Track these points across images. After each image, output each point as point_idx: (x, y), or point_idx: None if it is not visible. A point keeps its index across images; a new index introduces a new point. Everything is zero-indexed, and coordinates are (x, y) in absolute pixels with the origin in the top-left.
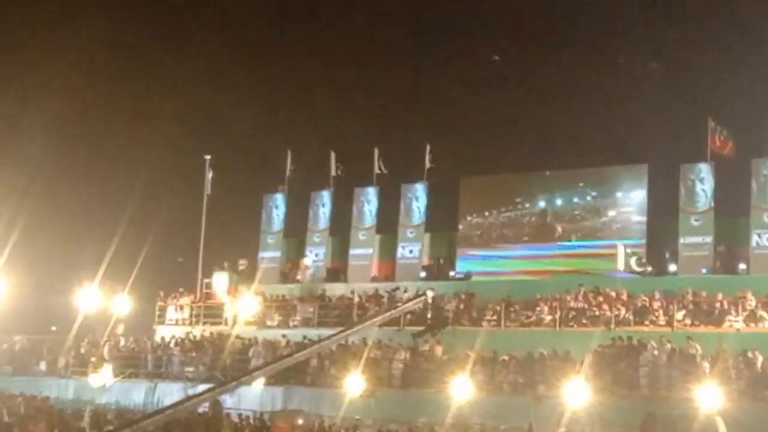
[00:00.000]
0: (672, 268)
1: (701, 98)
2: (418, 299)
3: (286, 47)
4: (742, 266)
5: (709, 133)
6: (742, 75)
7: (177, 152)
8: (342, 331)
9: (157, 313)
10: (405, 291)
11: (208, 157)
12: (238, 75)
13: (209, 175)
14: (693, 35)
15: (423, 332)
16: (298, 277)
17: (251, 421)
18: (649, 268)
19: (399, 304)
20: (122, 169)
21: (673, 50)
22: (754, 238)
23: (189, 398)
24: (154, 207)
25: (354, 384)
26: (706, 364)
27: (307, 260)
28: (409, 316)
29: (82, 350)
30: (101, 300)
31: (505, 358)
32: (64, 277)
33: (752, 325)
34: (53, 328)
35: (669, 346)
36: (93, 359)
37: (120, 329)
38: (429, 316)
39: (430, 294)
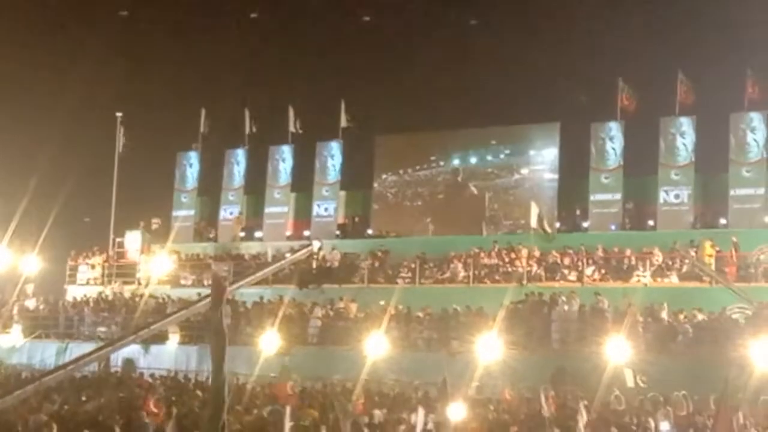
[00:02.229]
0: (583, 225)
1: (611, 57)
2: (305, 250)
3: (199, 3)
4: (650, 222)
5: (618, 92)
6: (650, 35)
7: (88, 109)
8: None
9: (68, 272)
10: (320, 249)
11: (119, 114)
12: (151, 31)
13: (121, 132)
14: None
15: (307, 282)
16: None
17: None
18: (556, 228)
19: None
20: (31, 127)
21: (586, 9)
22: (662, 195)
23: (82, 356)
24: (64, 165)
25: (269, 342)
26: (615, 319)
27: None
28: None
29: None
30: (10, 260)
31: (420, 314)
32: None
33: (659, 279)
34: None
35: (578, 301)
36: (1, 320)
37: (29, 289)
38: (314, 266)
39: (316, 244)
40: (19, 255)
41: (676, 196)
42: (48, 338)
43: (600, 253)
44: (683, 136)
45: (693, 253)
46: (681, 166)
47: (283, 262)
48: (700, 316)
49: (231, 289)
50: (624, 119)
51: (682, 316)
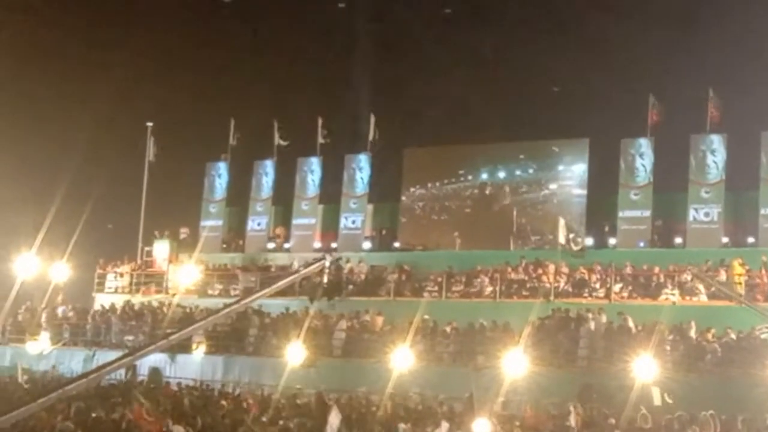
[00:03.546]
0: (611, 241)
1: (642, 73)
2: (317, 264)
3: (231, 14)
4: (679, 240)
5: (649, 108)
6: (681, 52)
7: (119, 119)
8: (242, 299)
9: (97, 280)
10: (347, 261)
11: (150, 124)
12: (182, 41)
13: (151, 142)
14: (636, 12)
15: (319, 296)
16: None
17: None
18: (585, 245)
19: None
20: (62, 135)
21: (617, 26)
22: (691, 213)
23: (106, 364)
24: (94, 173)
25: (295, 353)
26: (642, 336)
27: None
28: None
29: (20, 317)
30: (39, 267)
31: (446, 328)
32: (1, 243)
33: (687, 298)
34: None
35: (605, 318)
36: (30, 327)
37: (59, 297)
38: (325, 280)
39: (328, 258)
40: (48, 262)
41: (706, 214)
42: (75, 346)
43: (629, 270)
44: (714, 154)
45: (722, 272)
46: (711, 183)
47: (293, 276)
48: (729, 335)
49: (238, 305)
50: (654, 135)
51: (710, 335)
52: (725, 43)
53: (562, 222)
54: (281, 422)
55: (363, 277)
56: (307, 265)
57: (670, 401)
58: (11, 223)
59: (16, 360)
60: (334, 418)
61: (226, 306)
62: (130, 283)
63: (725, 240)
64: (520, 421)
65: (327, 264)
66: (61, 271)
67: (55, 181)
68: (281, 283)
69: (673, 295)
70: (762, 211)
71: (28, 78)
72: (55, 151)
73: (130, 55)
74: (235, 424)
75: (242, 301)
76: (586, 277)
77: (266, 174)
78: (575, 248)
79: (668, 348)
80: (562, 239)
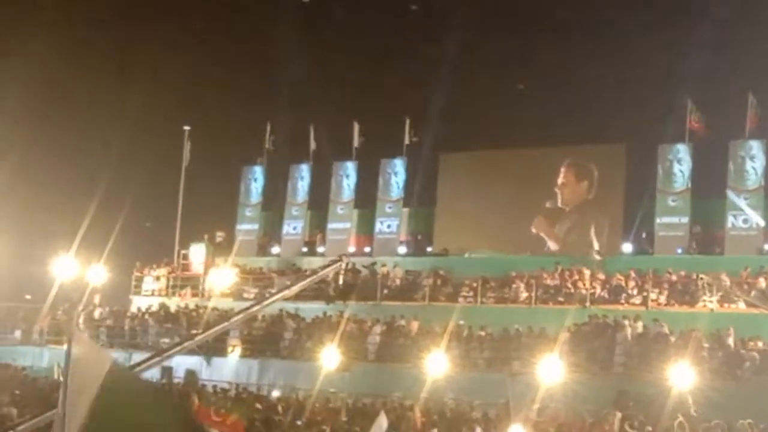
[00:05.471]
0: (648, 248)
1: (680, 78)
2: (335, 265)
3: (267, 18)
4: (717, 247)
5: (687, 114)
6: (720, 57)
7: (155, 122)
8: (258, 302)
9: (134, 283)
10: (383, 265)
11: (187, 128)
12: (218, 45)
13: (188, 145)
14: (673, 17)
15: (334, 298)
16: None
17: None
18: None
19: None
20: (100, 139)
21: (655, 31)
22: (730, 220)
23: (135, 365)
24: (131, 176)
25: (330, 357)
26: (679, 344)
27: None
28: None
29: (58, 319)
30: (77, 269)
31: (481, 334)
32: (40, 245)
33: (726, 305)
34: (28, 297)
35: (641, 324)
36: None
37: (96, 299)
38: (341, 282)
39: (345, 260)
40: (86, 265)
41: (745, 221)
42: (112, 348)
43: (674, 277)
44: (753, 160)
45: (761, 280)
46: (750, 190)
47: (311, 278)
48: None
49: (254, 309)
50: (692, 141)
51: (750, 343)
52: (765, 47)
53: (592, 229)
54: (314, 428)
55: (398, 282)
56: (324, 267)
57: (694, 413)
58: (49, 226)
59: (54, 361)
60: (382, 422)
61: (244, 309)
62: (167, 286)
63: (767, 247)
64: (556, 428)
65: (343, 266)
66: (98, 273)
67: (93, 185)
68: (297, 286)
69: (711, 302)
70: None
71: (65, 82)
72: (92, 155)
73: (167, 59)
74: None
75: (261, 303)
76: (623, 283)
77: (302, 178)
78: (597, 258)
79: (705, 355)
80: (596, 245)
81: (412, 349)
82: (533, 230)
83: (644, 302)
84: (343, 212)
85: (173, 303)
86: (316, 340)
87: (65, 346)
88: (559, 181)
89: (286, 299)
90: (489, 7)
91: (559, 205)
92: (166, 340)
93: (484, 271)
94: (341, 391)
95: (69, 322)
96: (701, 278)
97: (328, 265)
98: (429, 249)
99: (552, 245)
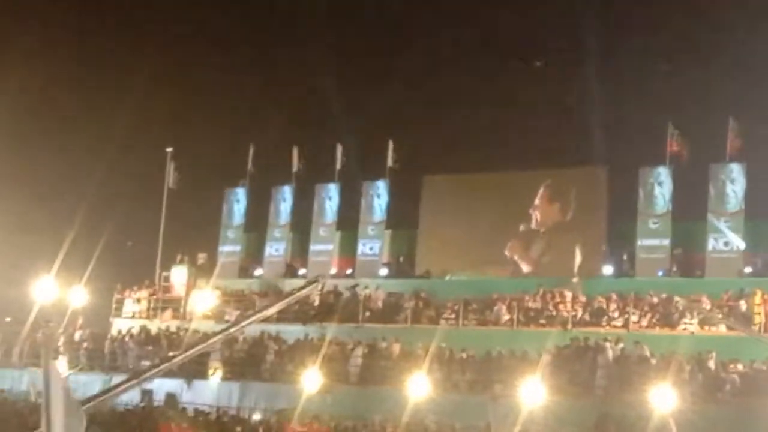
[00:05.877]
0: (629, 270)
1: (661, 102)
2: (311, 287)
3: (249, 42)
4: (698, 270)
5: (668, 137)
6: (701, 81)
7: (138, 144)
8: (233, 324)
9: (114, 305)
10: (365, 287)
11: (169, 149)
12: (201, 68)
13: (171, 167)
14: (653, 40)
15: (312, 319)
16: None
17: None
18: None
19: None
20: (81, 160)
21: (634, 55)
22: (711, 242)
23: (115, 386)
24: (113, 198)
25: (311, 380)
26: (660, 366)
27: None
28: None
29: (37, 342)
30: (57, 291)
31: (463, 356)
32: (20, 267)
33: (706, 328)
34: (8, 319)
35: (621, 346)
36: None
37: (79, 321)
38: (316, 303)
39: (321, 281)
40: (67, 287)
41: (726, 243)
42: (92, 371)
43: (654, 299)
44: (733, 183)
45: (741, 303)
46: (731, 213)
47: (287, 300)
48: (748, 366)
49: (231, 331)
50: (673, 164)
51: (730, 366)
52: (746, 71)
53: (578, 251)
54: None
55: (380, 304)
56: (300, 288)
57: None
58: (30, 247)
59: (32, 383)
60: None
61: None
62: (148, 309)
63: (748, 270)
64: None
65: (319, 287)
66: (79, 295)
67: (74, 206)
68: (274, 308)
69: (691, 325)
70: None
71: (47, 103)
72: (74, 176)
73: (150, 81)
74: None
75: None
76: (605, 306)
77: (284, 200)
78: (573, 280)
79: (687, 378)
80: (576, 269)
81: (394, 371)
82: (506, 254)
83: (626, 324)
84: (325, 234)
85: (154, 325)
86: (298, 363)
87: (41, 369)
88: (535, 202)
89: (266, 320)
90: (470, 31)
91: (533, 227)
92: (147, 363)
93: (466, 293)
94: (323, 414)
95: (48, 345)
96: (677, 301)
97: (305, 286)
98: (412, 272)
99: (525, 268)
